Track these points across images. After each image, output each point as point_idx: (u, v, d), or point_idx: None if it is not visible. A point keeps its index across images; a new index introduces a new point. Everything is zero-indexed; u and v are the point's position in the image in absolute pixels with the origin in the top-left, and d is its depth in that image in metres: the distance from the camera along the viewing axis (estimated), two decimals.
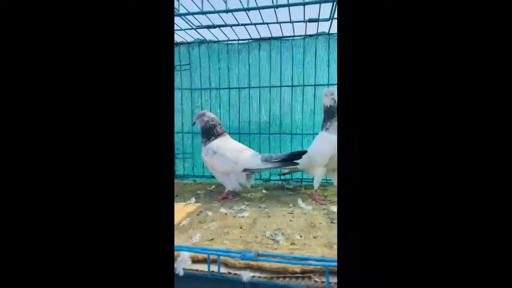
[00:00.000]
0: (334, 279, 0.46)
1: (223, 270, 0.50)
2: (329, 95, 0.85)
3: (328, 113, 0.86)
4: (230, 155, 0.87)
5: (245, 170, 0.86)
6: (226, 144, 0.90)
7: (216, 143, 0.90)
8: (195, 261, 0.52)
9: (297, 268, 0.48)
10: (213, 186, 1.06)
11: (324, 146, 0.84)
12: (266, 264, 0.49)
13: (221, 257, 0.50)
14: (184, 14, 0.72)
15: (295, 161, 0.86)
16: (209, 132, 0.91)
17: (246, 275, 0.48)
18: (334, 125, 0.84)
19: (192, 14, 0.76)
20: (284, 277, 0.48)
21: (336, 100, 0.83)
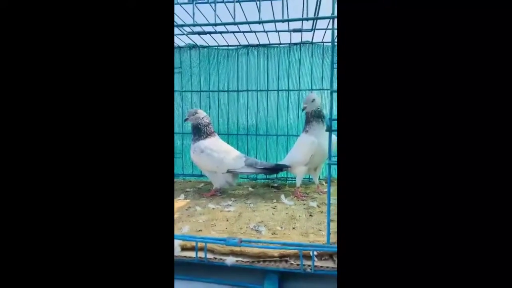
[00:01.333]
0: (307, 262, 0.52)
1: (210, 256, 0.55)
2: (308, 100, 0.91)
3: (307, 117, 0.93)
4: (216, 155, 0.93)
5: (228, 171, 0.92)
6: (213, 144, 0.95)
7: (204, 142, 0.95)
8: (184, 248, 0.57)
9: (275, 252, 0.54)
10: (202, 184, 1.11)
11: (304, 147, 0.91)
12: (248, 250, 0.55)
13: (208, 244, 0.55)
14: (180, 26, 0.78)
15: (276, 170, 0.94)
16: (200, 131, 0.96)
17: (230, 260, 0.54)
18: (312, 128, 0.91)
19: (188, 25, 0.82)
20: (264, 261, 0.54)
21: (312, 106, 0.91)
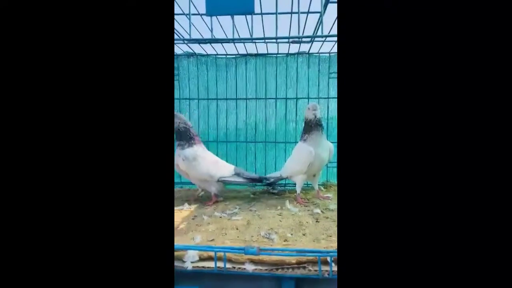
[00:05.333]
0: (325, 268, 0.54)
1: (228, 265, 0.56)
2: (312, 110, 0.94)
3: (307, 126, 0.96)
4: (210, 165, 0.95)
5: (219, 180, 0.95)
6: (205, 153, 0.97)
7: (196, 149, 0.95)
8: (200, 259, 0.57)
9: (293, 259, 0.56)
10: (202, 193, 1.10)
11: (302, 157, 0.93)
12: (265, 258, 0.56)
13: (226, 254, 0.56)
14: (186, 39, 0.79)
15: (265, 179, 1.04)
16: (185, 136, 0.95)
17: (249, 268, 0.55)
18: (311, 137, 0.94)
19: (192, 40, 0.82)
20: (282, 268, 0.55)
21: (317, 116, 0.93)
